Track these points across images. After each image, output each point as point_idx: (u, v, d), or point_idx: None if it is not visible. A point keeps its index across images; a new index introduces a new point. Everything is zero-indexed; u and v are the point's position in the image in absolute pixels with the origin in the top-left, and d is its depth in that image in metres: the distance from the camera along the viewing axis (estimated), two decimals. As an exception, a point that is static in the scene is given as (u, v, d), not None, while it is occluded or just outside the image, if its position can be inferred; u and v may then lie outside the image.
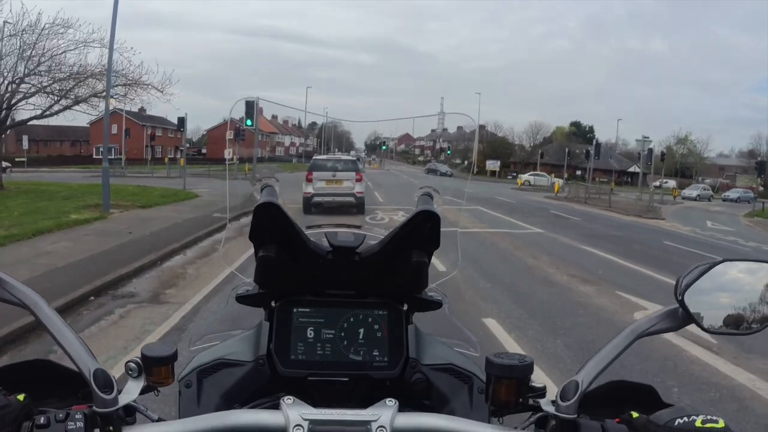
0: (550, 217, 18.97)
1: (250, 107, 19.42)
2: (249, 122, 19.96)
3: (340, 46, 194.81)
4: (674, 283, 0.76)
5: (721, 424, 0.64)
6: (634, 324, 0.80)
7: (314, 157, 18.82)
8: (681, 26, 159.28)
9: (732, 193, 46.92)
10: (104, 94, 20.11)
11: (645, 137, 27.43)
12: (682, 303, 0.76)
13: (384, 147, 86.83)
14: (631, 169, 69.02)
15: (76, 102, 18.87)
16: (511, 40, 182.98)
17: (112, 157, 57.36)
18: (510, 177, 65.48)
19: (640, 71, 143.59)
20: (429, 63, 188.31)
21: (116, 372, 0.71)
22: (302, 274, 0.92)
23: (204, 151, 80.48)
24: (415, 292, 0.97)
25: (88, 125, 65.49)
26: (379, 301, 0.95)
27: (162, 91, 20.17)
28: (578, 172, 58.56)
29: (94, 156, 58.66)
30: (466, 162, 73.78)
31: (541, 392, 0.78)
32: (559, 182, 38.13)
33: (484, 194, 28.65)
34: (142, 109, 69.88)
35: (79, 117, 21.49)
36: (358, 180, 15.75)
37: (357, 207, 15.67)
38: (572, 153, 62.28)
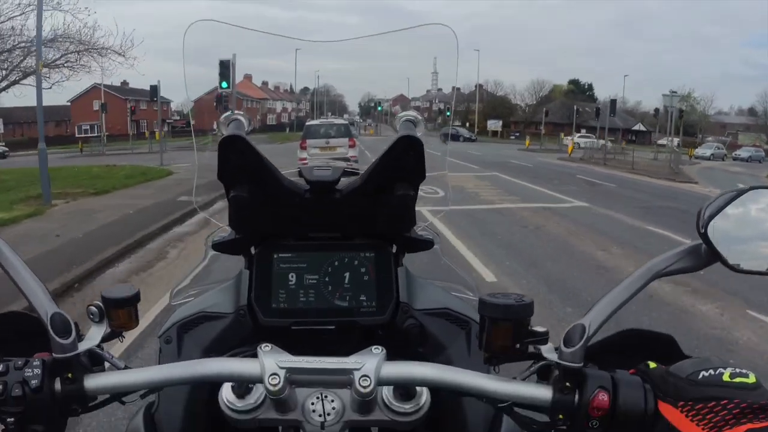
0: (582, 185, 16.31)
1: (225, 68, 16.25)
2: (225, 84, 16.81)
3: (328, 8, 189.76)
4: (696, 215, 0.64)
5: (752, 378, 0.56)
6: (650, 262, 0.69)
7: (307, 123, 18.49)
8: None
9: (743, 152, 45.19)
10: (59, 63, 17.11)
11: (672, 92, 24.52)
12: (704, 237, 0.65)
13: (380, 108, 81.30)
14: (636, 127, 66.17)
15: (25, 75, 16.09)
16: None
17: (94, 134, 54.27)
18: (513, 137, 62.34)
19: (634, 27, 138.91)
20: (419, 22, 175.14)
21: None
22: (280, 216, 0.86)
23: (193, 122, 77.00)
24: (403, 230, 0.90)
25: (69, 103, 61.98)
26: (366, 243, 0.89)
27: (123, 55, 17.09)
28: (583, 131, 55.73)
29: (76, 135, 54.81)
30: (467, 124, 69.78)
31: (543, 337, 0.66)
32: (571, 142, 35.00)
33: (494, 157, 26.25)
34: (124, 83, 66.15)
35: (61, 95, 18.34)
36: (351, 146, 15.60)
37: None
38: (578, 111, 59.15)
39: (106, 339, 0.69)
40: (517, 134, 62.87)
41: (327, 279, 0.88)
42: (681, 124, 39.20)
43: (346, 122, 18.48)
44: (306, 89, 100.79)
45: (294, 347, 0.71)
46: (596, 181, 17.37)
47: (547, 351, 0.66)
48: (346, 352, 0.69)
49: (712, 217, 0.66)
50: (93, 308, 0.70)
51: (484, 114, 67.32)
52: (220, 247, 0.92)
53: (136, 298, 0.70)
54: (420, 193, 0.85)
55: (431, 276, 1.00)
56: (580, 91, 71.28)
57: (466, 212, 9.93)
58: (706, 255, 0.68)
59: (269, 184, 0.83)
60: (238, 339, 0.87)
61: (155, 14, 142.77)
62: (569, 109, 60.91)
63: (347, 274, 0.88)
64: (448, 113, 64.66)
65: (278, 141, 39.46)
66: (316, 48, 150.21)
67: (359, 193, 0.85)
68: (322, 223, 0.89)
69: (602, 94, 74.06)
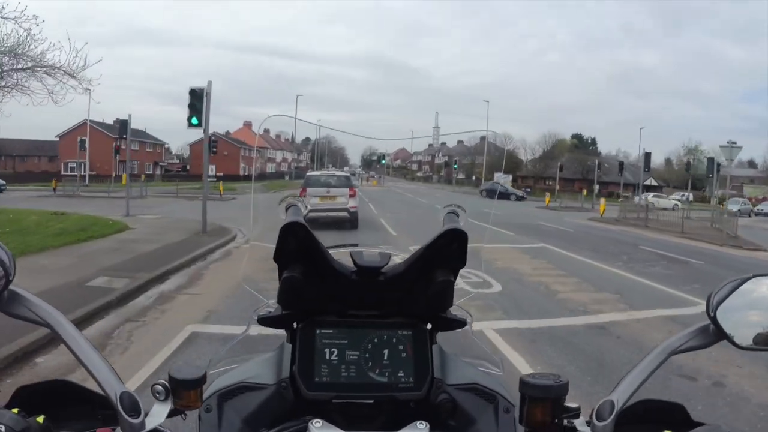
0: (664, 263, 12.09)
1: (197, 98, 12.21)
2: (195, 120, 12.68)
3: (332, 61, 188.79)
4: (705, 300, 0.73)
5: None
6: (666, 341, 0.80)
7: (308, 173, 18.52)
8: (670, 39, 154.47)
9: (765, 207, 44.21)
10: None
11: (731, 142, 20.70)
12: (714, 320, 0.76)
13: (383, 161, 78.06)
14: (648, 182, 63.00)
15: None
16: (502, 55, 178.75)
17: (82, 173, 50.33)
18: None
19: (632, 84, 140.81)
20: (422, 78, 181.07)
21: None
22: (325, 295, 0.90)
23: (188, 167, 72.70)
24: (439, 311, 0.95)
25: (57, 139, 58.36)
26: (403, 321, 0.93)
27: (75, 77, 13.24)
28: (596, 187, 52.26)
29: (61, 173, 50.88)
30: (474, 177, 66.04)
31: (576, 413, 0.75)
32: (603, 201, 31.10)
33: (519, 218, 22.51)
34: (116, 121, 62.68)
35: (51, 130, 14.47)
36: (352, 195, 15.59)
37: (351, 222, 15.56)
38: (586, 166, 55.81)
39: (169, 416, 0.71)
40: (529, 190, 58.96)
41: (367, 355, 0.90)
42: (690, 178, 36.67)
43: (347, 174, 18.45)
44: (308, 140, 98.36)
45: (334, 420, 0.79)
46: (676, 257, 13.22)
47: (581, 425, 0.74)
48: (382, 424, 0.77)
49: (720, 302, 0.76)
50: (159, 387, 0.71)
51: (491, 168, 63.80)
52: (266, 321, 0.94)
53: (203, 380, 0.73)
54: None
55: (460, 350, 1.04)
56: (584, 145, 68.60)
57: (551, 335, 5.78)
58: (715, 334, 0.77)
59: (320, 266, 0.87)
60: (279, 411, 0.88)
61: (162, 59, 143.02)
62: (579, 163, 57.66)
63: (386, 351, 0.90)
64: (455, 165, 61.34)
65: (274, 189, 35.44)
66: (320, 102, 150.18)
67: (402, 277, 0.89)
68: (363, 301, 0.91)
69: (604, 148, 72.67)
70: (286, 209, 0.92)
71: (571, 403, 0.75)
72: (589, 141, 71.25)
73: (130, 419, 0.66)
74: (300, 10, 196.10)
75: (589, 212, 30.27)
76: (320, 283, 0.88)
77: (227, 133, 77.33)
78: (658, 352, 0.79)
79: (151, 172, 62.24)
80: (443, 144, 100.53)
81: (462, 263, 0.89)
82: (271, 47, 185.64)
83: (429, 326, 0.95)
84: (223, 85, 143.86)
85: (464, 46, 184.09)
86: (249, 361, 0.96)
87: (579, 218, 25.90)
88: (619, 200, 36.52)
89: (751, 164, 68.82)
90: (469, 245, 0.86)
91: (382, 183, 61.36)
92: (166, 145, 71.43)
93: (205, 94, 12.49)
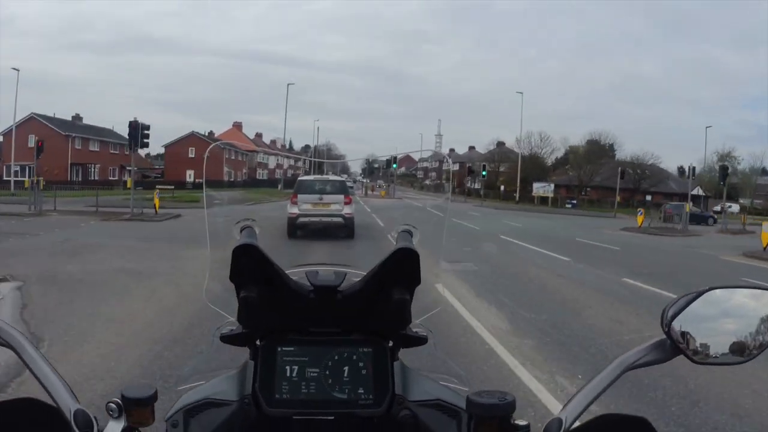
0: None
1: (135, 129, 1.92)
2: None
3: (332, 69, 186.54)
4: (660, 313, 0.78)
5: None
6: (621, 357, 0.81)
7: (300, 178, 17.83)
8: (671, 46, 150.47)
9: None
10: None
11: None
12: (668, 334, 0.77)
13: (394, 165, 62.60)
14: (695, 192, 53.61)
15: None
16: (503, 62, 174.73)
17: (30, 177, 40.43)
18: (569, 205, 48.59)
19: (632, 91, 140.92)
20: (421, 85, 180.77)
21: (98, 412, 0.74)
22: (285, 314, 0.96)
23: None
24: (398, 328, 0.99)
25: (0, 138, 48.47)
26: (363, 338, 0.97)
27: None
28: (648, 197, 42.69)
29: (4, 177, 40.92)
30: (502, 188, 55.88)
31: (525, 431, 0.77)
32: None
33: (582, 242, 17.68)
34: (77, 117, 53.21)
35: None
36: (347, 203, 14.80)
37: (346, 229, 14.67)
38: (637, 174, 45.99)
39: None
40: (574, 202, 48.78)
41: (327, 372, 0.95)
42: (726, 187, 33.83)
43: (342, 179, 17.95)
44: (307, 147, 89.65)
45: None
46: None
47: None
48: None
49: (674, 316, 0.76)
50: (112, 405, 0.75)
51: (523, 176, 53.74)
52: (228, 339, 1.00)
53: (154, 398, 0.77)
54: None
55: (427, 366, 1.09)
56: (602, 152, 62.22)
57: None
58: (671, 349, 0.77)
59: (277, 286, 0.92)
60: (243, 427, 0.94)
61: (161, 67, 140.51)
62: (615, 171, 48.45)
63: (346, 368, 0.95)
64: (484, 173, 50.81)
65: (252, 201, 29.20)
66: (319, 110, 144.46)
67: (359, 295, 0.94)
68: (323, 319, 0.97)
69: (620, 154, 65.26)
70: (241, 231, 0.97)
71: (520, 421, 0.77)
72: (608, 147, 61.26)
73: None
74: (299, 18, 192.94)
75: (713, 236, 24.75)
76: (278, 302, 0.93)
77: (210, 134, 70.76)
78: (613, 367, 0.79)
79: (116, 177, 51.92)
80: (452, 150, 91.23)
81: (416, 281, 0.93)
82: (270, 55, 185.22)
83: (390, 344, 0.99)
84: (221, 94, 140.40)
85: (463, 54, 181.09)
86: (214, 378, 1.00)
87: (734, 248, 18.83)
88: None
89: (765, 172, 68.57)
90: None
91: (392, 193, 49.69)
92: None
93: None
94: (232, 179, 61.56)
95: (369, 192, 50.31)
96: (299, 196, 14.42)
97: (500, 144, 74.88)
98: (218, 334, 1.00)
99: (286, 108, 55.92)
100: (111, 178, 53.60)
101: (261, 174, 76.89)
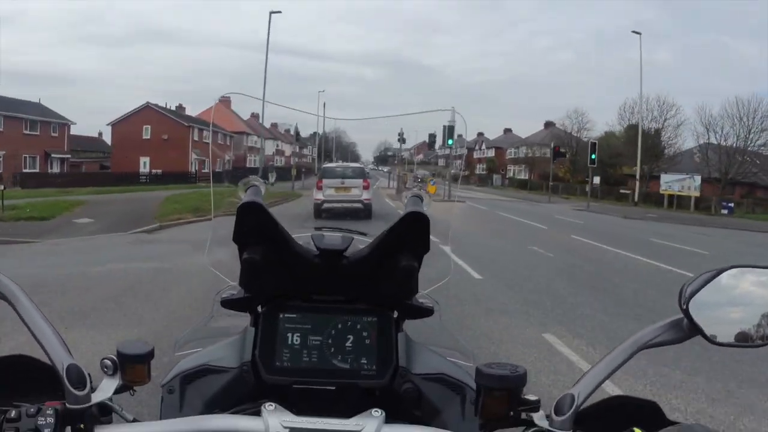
0: None
1: None
2: None
3: (345, 60, 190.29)
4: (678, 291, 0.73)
5: None
6: (636, 335, 0.77)
7: (324, 165, 22.04)
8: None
9: None
10: None
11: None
12: (686, 312, 0.72)
13: (450, 142, 31.33)
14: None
15: None
16: (516, 53, 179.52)
17: None
18: (724, 211, 31.89)
19: (642, 79, 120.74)
20: (435, 76, 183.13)
21: (92, 370, 0.72)
22: (289, 278, 0.93)
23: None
24: (404, 298, 0.96)
25: None
26: (368, 308, 0.94)
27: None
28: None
29: None
30: (593, 181, 38.18)
31: (535, 406, 0.73)
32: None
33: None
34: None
35: None
36: (365, 187, 16.99)
37: (365, 212, 16.94)
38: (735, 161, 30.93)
39: (117, 392, 0.73)
40: (731, 206, 31.89)
41: (330, 341, 0.92)
42: None
43: (361, 166, 19.93)
44: (315, 134, 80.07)
45: (294, 405, 0.78)
46: None
47: (539, 419, 0.72)
48: (345, 413, 0.75)
49: (693, 294, 0.72)
50: (107, 361, 0.73)
51: (577, 166, 38.06)
52: (229, 304, 0.97)
53: (150, 355, 0.74)
54: None
55: (432, 340, 1.07)
56: (646, 138, 42.70)
57: None
58: (688, 329, 0.73)
59: (281, 248, 0.89)
60: (240, 394, 0.91)
61: (173, 58, 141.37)
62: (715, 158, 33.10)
63: (350, 337, 0.92)
64: (593, 156, 32.18)
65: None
66: (331, 101, 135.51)
67: (365, 261, 0.91)
68: (328, 286, 0.95)
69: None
70: (246, 189, 0.93)
71: (530, 396, 0.73)
72: (653, 131, 43.14)
73: (75, 391, 0.67)
74: (311, 9, 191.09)
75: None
76: (282, 265, 0.90)
77: (179, 107, 52.58)
78: (627, 346, 0.75)
79: (37, 170, 36.93)
80: (480, 134, 76.22)
81: (425, 248, 0.90)
82: (282, 46, 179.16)
83: (395, 314, 0.96)
84: (234, 85, 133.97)
85: (477, 44, 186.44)
86: (213, 344, 0.98)
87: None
88: None
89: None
90: None
91: (448, 193, 25.87)
92: (73, 124, 43.47)
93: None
94: (204, 169, 43.62)
95: (403, 188, 26.76)
96: (324, 180, 16.95)
97: (549, 124, 59.53)
98: (219, 298, 0.98)
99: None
100: (26, 170, 35.82)
101: (253, 161, 57.83)
